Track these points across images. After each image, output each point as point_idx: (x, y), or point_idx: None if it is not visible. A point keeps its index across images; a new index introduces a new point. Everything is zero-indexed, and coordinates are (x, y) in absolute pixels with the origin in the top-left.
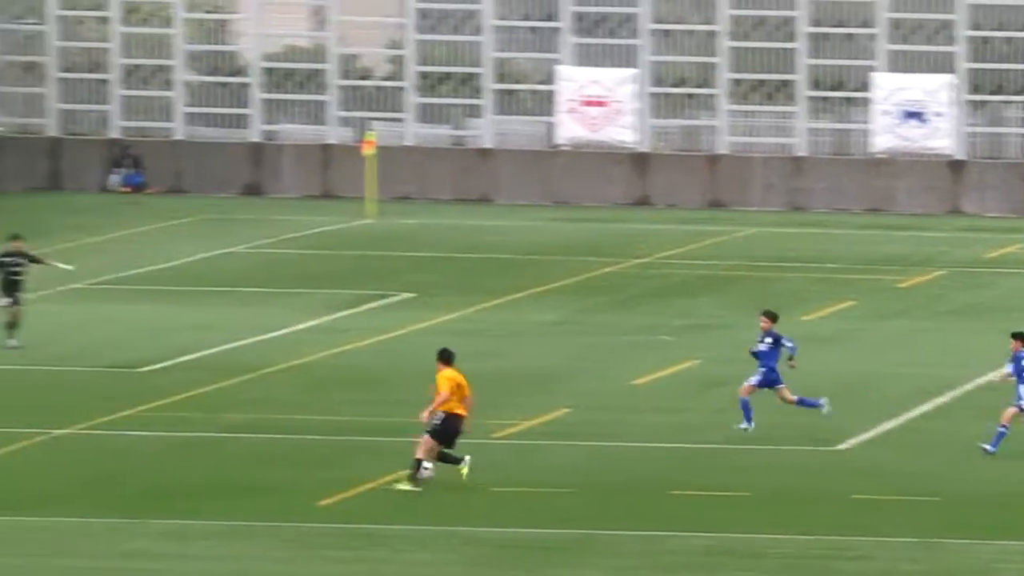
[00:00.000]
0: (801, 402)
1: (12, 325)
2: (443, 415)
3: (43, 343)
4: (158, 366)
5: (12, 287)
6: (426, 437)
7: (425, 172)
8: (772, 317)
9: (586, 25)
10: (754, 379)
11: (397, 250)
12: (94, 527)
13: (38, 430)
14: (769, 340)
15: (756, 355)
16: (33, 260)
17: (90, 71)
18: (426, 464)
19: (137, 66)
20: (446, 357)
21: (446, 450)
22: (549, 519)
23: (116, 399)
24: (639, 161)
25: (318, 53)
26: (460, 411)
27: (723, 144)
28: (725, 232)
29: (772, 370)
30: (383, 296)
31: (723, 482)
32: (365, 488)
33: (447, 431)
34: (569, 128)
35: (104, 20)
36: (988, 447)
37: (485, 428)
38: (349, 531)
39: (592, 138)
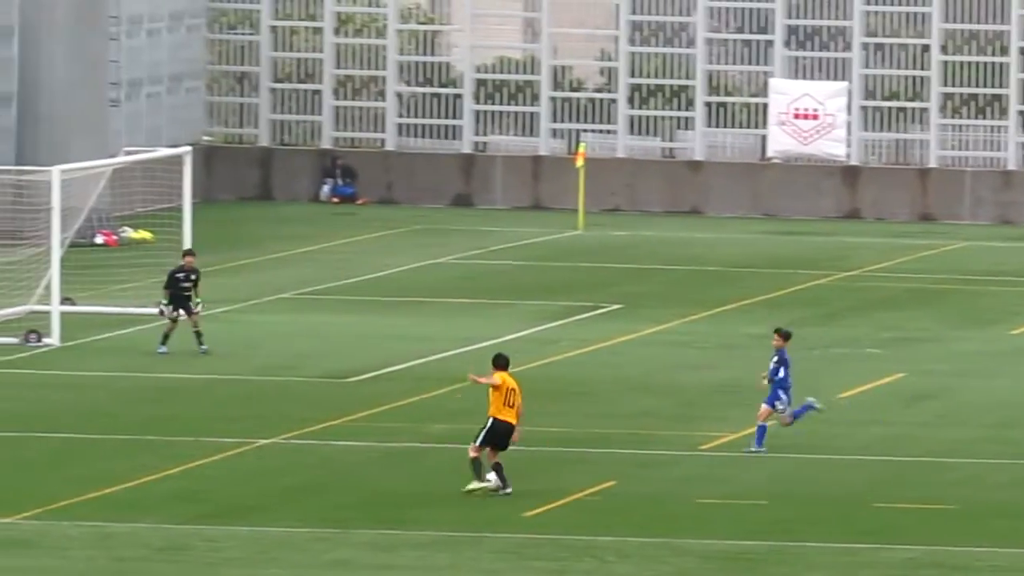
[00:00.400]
0: (795, 415)
1: (198, 334)
2: (490, 420)
3: (251, 352)
4: (366, 376)
5: (180, 302)
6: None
7: (635, 184)
8: (785, 336)
9: (798, 38)
10: (780, 406)
11: (606, 262)
12: (298, 537)
13: (243, 439)
14: (776, 359)
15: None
16: (196, 281)
17: (302, 82)
18: (488, 477)
19: (349, 77)
20: (500, 362)
21: (482, 459)
22: (754, 530)
23: (323, 409)
24: (849, 174)
25: (530, 65)
26: (506, 416)
27: (933, 157)
28: (934, 245)
29: (776, 389)
30: (592, 307)
31: (929, 495)
32: (571, 499)
33: (492, 435)
34: (780, 141)
35: (317, 31)
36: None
37: (692, 440)
38: (555, 542)
39: (803, 151)
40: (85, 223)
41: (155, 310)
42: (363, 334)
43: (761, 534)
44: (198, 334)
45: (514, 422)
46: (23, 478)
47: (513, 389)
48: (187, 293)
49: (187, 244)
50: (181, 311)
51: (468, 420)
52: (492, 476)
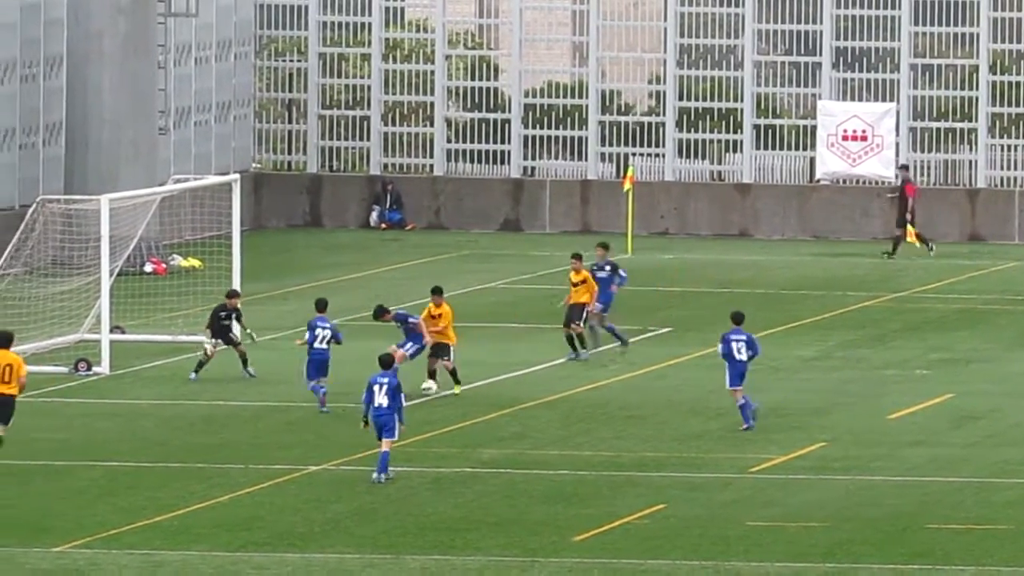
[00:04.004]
0: (611, 329)
1: (244, 361)
2: None
3: (300, 379)
4: (416, 402)
5: (221, 333)
6: None
7: (684, 207)
8: (605, 247)
9: (846, 59)
10: (599, 305)
11: (655, 285)
12: (349, 563)
13: (293, 466)
14: (608, 269)
15: (598, 281)
16: (238, 318)
17: (350, 108)
18: None
19: (397, 102)
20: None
21: None
22: (805, 553)
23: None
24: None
25: (578, 89)
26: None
27: (982, 178)
28: (983, 266)
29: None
30: (641, 331)
31: (980, 516)
32: (621, 523)
33: None
34: (829, 162)
35: (365, 57)
36: None
37: (741, 462)
38: (605, 566)
39: (851, 172)
40: (134, 252)
41: (202, 338)
42: (413, 360)
43: (812, 556)
44: (244, 359)
45: (14, 393)
46: (73, 507)
47: (9, 365)
48: (226, 323)
49: (236, 272)
50: (221, 342)
51: (518, 445)
52: None
